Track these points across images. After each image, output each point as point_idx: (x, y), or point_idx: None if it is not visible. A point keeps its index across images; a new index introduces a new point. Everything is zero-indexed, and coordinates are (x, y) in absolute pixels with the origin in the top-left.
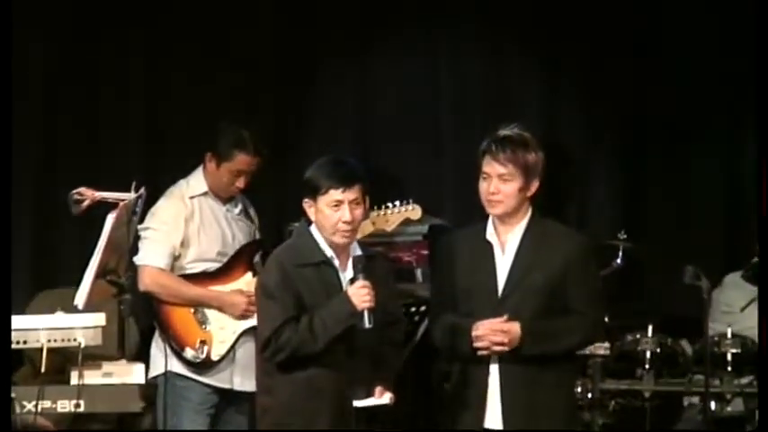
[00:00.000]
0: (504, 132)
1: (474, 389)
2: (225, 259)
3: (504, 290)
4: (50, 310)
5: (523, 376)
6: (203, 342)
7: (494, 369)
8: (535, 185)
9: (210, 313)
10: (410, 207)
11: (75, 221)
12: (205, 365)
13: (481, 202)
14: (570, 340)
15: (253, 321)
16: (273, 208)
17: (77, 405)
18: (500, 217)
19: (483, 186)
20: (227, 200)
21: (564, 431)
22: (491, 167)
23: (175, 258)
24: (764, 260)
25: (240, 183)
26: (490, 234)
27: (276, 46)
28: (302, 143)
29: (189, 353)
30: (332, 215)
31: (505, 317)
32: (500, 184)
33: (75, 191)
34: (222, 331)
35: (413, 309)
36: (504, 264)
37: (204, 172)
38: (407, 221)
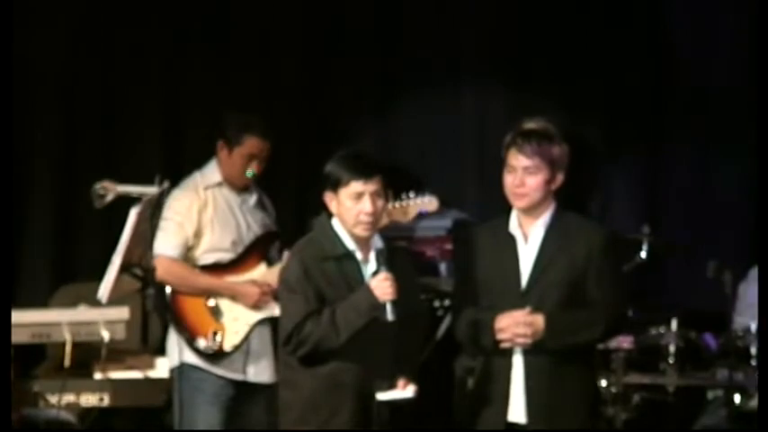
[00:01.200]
0: (529, 125)
1: (497, 382)
2: (239, 250)
3: (528, 283)
4: (73, 304)
5: (547, 369)
6: (216, 332)
7: (517, 362)
8: (560, 178)
9: (224, 304)
10: (426, 199)
11: (99, 215)
12: (218, 356)
13: (506, 194)
14: (593, 332)
15: (266, 313)
16: (295, 201)
17: (101, 399)
18: (524, 210)
19: (508, 179)
20: (242, 190)
21: (585, 428)
22: (516, 160)
23: (189, 249)
24: (764, 259)
25: (253, 168)
26: (513, 227)
27: (297, 37)
28: (323, 136)
29: (201, 343)
30: (353, 207)
31: (528, 309)
32: (526, 176)
33: (98, 184)
34: (236, 322)
35: (436, 303)
36: (527, 257)
37: (218, 162)
38: (424, 213)
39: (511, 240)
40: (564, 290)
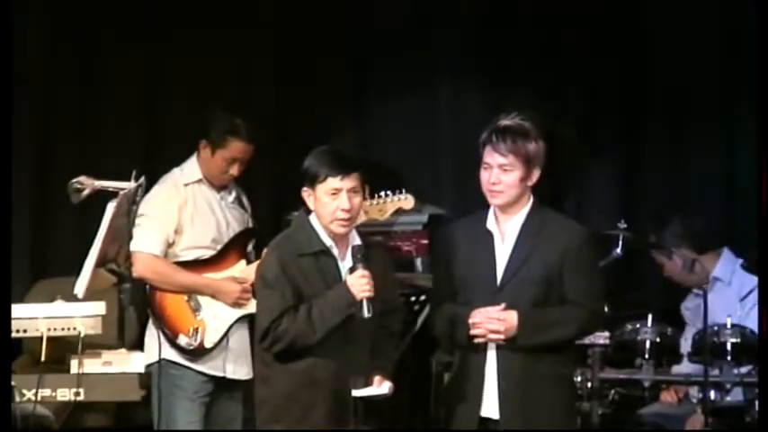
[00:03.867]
0: (504, 122)
1: (471, 378)
2: (219, 247)
3: (502, 279)
4: (49, 299)
5: (521, 365)
6: (196, 329)
7: (491, 358)
8: (536, 175)
9: (204, 301)
10: (403, 197)
11: (75, 210)
12: (198, 353)
13: (482, 191)
14: (566, 331)
15: (246, 310)
16: (272, 197)
17: (77, 393)
18: (501, 207)
19: (484, 177)
20: (221, 187)
21: (559, 423)
22: (491, 158)
23: (169, 245)
24: (764, 258)
25: (234, 170)
26: (491, 223)
27: (276, 35)
28: (301, 132)
29: (182, 340)
30: (330, 203)
31: (503, 305)
32: (501, 174)
33: (75, 179)
34: (215, 319)
35: (412, 298)
36: (503, 253)
37: (198, 159)
38: (400, 211)
39: (488, 236)
40: (539, 287)
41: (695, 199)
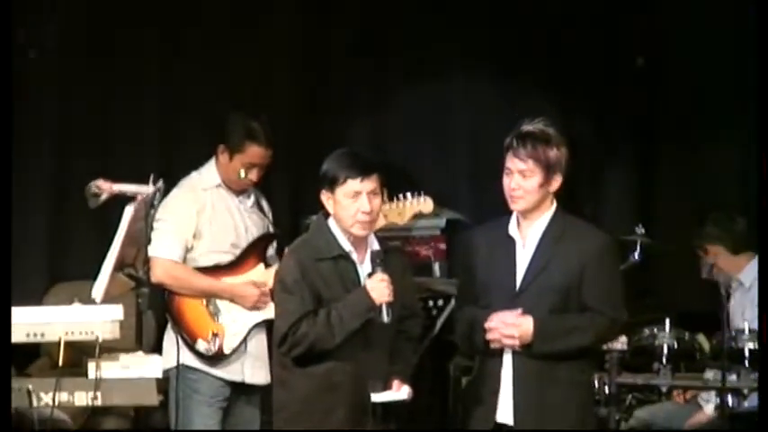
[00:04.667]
0: (526, 128)
1: (488, 383)
2: (237, 251)
3: (521, 285)
4: (67, 302)
5: (536, 371)
6: (215, 334)
7: (507, 362)
8: (558, 181)
9: (223, 305)
10: (422, 200)
11: (93, 214)
12: (217, 358)
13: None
14: (583, 338)
15: (265, 314)
16: (290, 201)
17: (94, 398)
18: (522, 212)
19: (505, 182)
20: (239, 192)
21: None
22: (512, 163)
23: (187, 250)
24: (764, 260)
25: (253, 175)
26: (513, 229)
27: (292, 38)
28: (318, 136)
29: (201, 345)
30: (350, 206)
31: (519, 310)
32: (521, 179)
33: (92, 183)
34: (234, 324)
35: (430, 303)
36: (523, 258)
37: (217, 164)
38: (419, 214)
39: (510, 242)
40: (558, 293)
41: (712, 204)
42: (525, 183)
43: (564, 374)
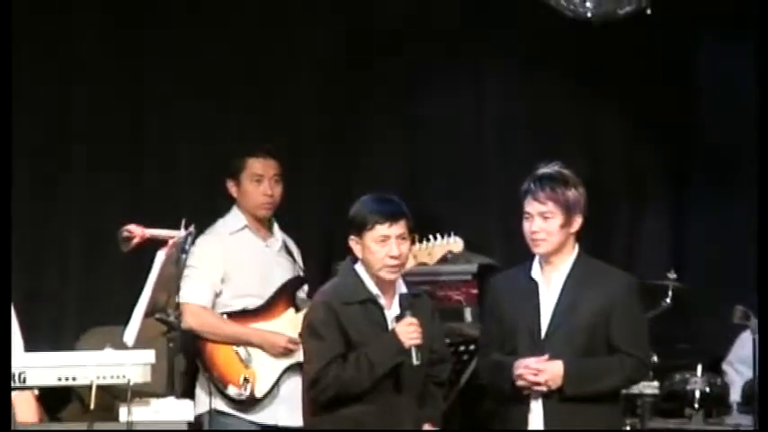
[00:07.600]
0: (543, 171)
1: (516, 427)
2: (266, 295)
3: (548, 329)
4: (99, 347)
5: (566, 416)
6: (246, 379)
7: (536, 408)
8: (578, 222)
9: (253, 350)
10: (452, 240)
11: (126, 258)
12: (249, 403)
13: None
14: (613, 380)
15: (296, 358)
16: (320, 246)
17: None
18: (545, 256)
19: (526, 226)
20: (266, 235)
21: None
22: (532, 206)
23: (216, 295)
24: (764, 261)
25: (266, 188)
26: (536, 273)
27: (321, 85)
28: (348, 181)
29: (232, 390)
30: (379, 251)
31: (546, 356)
32: (542, 222)
33: (124, 228)
34: (264, 367)
35: (461, 348)
36: (548, 303)
37: (236, 204)
38: (449, 254)
39: (533, 285)
40: (584, 337)
41: (744, 248)
42: (546, 225)
43: (593, 419)
